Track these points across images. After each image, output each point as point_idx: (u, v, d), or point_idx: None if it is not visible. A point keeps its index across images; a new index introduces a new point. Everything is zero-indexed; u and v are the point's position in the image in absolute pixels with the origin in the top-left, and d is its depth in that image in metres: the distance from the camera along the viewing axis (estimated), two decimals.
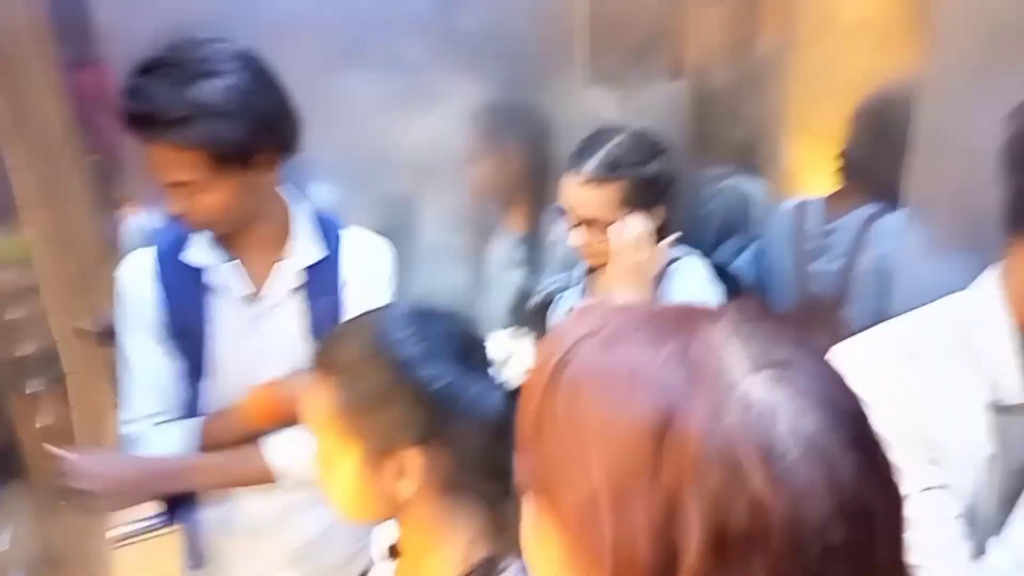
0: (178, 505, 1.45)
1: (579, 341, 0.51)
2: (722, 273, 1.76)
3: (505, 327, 0.91)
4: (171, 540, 1.47)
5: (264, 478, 1.35)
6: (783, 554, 0.42)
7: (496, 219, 1.80)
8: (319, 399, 0.88)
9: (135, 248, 1.39)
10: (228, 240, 1.34)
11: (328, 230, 1.40)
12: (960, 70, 1.34)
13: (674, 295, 1.56)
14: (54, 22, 1.35)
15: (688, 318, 0.50)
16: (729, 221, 1.95)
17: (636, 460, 0.44)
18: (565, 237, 1.60)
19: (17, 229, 1.52)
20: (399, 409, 0.85)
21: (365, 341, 0.89)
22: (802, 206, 1.71)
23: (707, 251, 1.95)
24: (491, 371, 0.88)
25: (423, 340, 0.87)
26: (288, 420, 1.32)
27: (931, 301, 1.03)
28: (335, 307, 1.37)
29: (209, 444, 1.35)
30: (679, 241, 1.61)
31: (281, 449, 1.34)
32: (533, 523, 0.53)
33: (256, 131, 1.19)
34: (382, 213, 1.68)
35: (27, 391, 1.54)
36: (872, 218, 1.53)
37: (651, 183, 1.51)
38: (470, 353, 0.89)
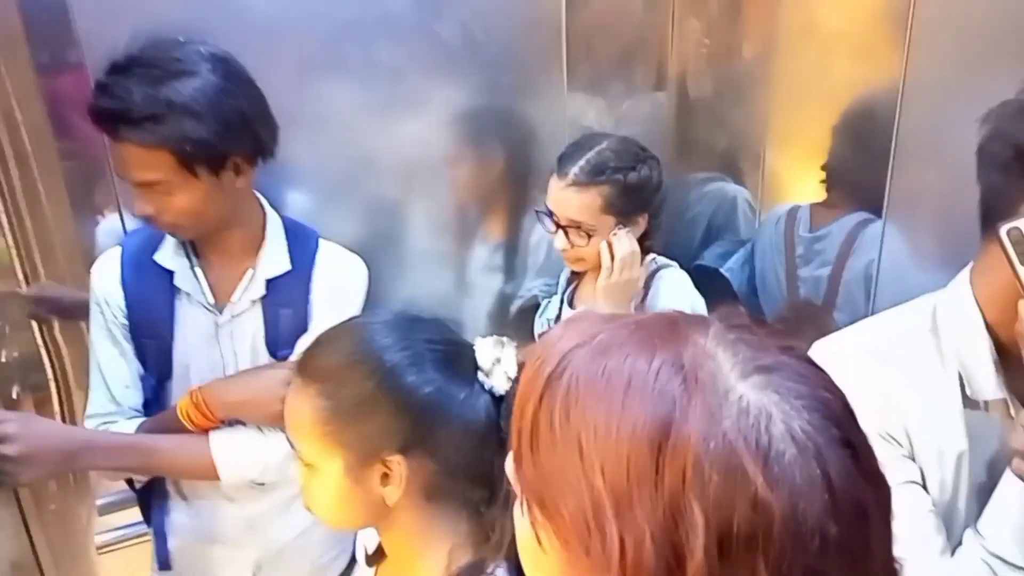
0: (149, 506, 1.44)
1: (571, 351, 0.51)
2: (712, 276, 1.77)
3: (488, 333, 0.91)
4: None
5: (206, 472, 1.32)
6: (784, 550, 0.43)
7: (477, 225, 1.80)
8: (302, 406, 0.87)
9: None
10: (200, 244, 1.33)
11: (301, 243, 1.38)
12: (940, 78, 1.36)
13: (660, 304, 1.59)
14: (32, 27, 1.34)
15: (676, 326, 0.51)
16: (715, 225, 1.96)
17: (637, 467, 0.45)
18: (547, 242, 1.60)
19: None
20: (383, 417, 0.85)
21: (349, 348, 0.89)
22: (791, 212, 1.72)
23: (694, 255, 1.96)
24: (475, 378, 0.88)
25: (407, 347, 0.87)
26: (231, 422, 1.31)
27: None
28: (297, 321, 1.35)
29: None
30: (662, 252, 1.64)
31: (226, 444, 1.32)
32: (529, 532, 0.53)
33: (226, 133, 1.18)
34: (363, 219, 1.67)
35: (12, 396, 1.53)
36: (859, 225, 1.54)
37: (635, 189, 1.53)
38: (454, 360, 0.89)
